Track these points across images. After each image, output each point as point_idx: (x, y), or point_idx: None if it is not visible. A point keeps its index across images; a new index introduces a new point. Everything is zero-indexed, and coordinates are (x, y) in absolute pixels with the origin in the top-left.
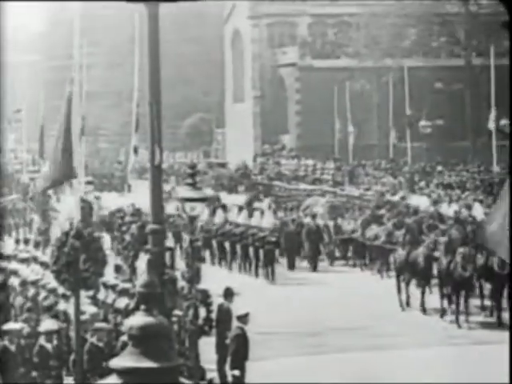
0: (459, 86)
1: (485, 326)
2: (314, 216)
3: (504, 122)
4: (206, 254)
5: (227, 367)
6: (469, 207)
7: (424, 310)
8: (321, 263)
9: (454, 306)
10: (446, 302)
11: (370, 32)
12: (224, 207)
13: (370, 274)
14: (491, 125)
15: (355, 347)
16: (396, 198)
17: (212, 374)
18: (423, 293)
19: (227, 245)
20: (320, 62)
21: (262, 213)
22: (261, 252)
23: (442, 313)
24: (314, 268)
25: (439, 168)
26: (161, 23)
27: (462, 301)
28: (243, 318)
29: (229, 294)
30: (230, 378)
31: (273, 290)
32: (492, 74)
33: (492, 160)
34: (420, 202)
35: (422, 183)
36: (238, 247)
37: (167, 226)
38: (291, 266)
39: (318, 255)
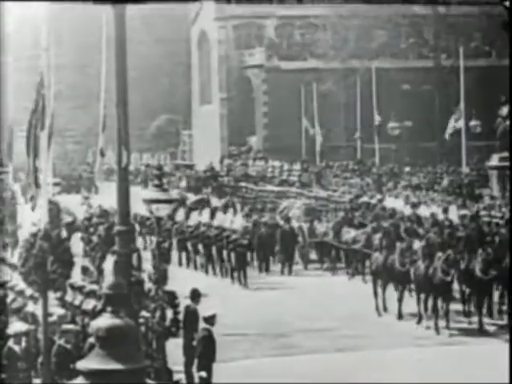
0: (428, 88)
1: (467, 332)
2: (287, 219)
3: (474, 122)
4: (182, 256)
5: (194, 369)
6: (445, 210)
7: (400, 315)
8: (295, 266)
9: (431, 312)
10: (422, 307)
11: (337, 33)
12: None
13: (347, 277)
14: (460, 125)
15: (322, 349)
16: (373, 200)
17: (179, 376)
18: (400, 298)
19: (201, 247)
20: (287, 63)
21: (233, 214)
22: (232, 255)
23: (420, 318)
24: (288, 271)
25: (407, 169)
26: (128, 24)
27: (440, 306)
28: (210, 320)
29: (195, 295)
30: (197, 380)
31: (241, 292)
32: (461, 75)
33: (461, 161)
34: (396, 204)
35: (390, 184)
36: (214, 249)
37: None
38: (264, 269)
39: (292, 258)
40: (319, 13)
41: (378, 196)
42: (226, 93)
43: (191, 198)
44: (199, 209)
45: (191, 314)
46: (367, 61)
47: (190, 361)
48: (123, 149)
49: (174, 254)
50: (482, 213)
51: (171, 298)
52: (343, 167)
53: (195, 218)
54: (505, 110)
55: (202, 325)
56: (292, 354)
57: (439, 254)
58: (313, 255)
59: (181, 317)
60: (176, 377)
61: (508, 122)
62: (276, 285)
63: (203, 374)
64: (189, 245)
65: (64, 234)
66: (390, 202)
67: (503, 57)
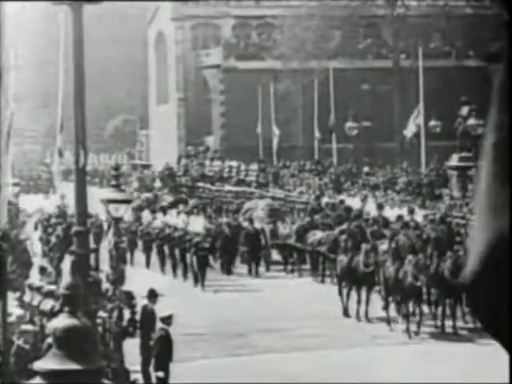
0: (386, 88)
1: (437, 336)
2: (251, 220)
3: (433, 123)
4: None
5: (151, 369)
6: (412, 211)
7: (367, 318)
8: (259, 268)
9: (401, 315)
10: (392, 311)
11: (294, 34)
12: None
13: (310, 280)
14: (419, 125)
15: (278, 348)
16: (334, 200)
17: (136, 376)
18: (367, 301)
19: (166, 248)
20: (244, 63)
21: (189, 215)
22: (194, 257)
23: (388, 321)
24: (254, 273)
25: (366, 169)
26: (85, 24)
27: (411, 310)
28: (167, 320)
29: (152, 295)
30: (154, 380)
31: (201, 294)
32: (420, 75)
33: (420, 161)
34: (358, 204)
35: (348, 184)
36: (177, 251)
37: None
38: (227, 271)
39: (256, 260)
40: (276, 13)
41: (341, 197)
42: (182, 93)
43: (167, 198)
44: (178, 209)
45: (148, 314)
46: (325, 61)
47: (147, 361)
48: (81, 149)
49: (141, 256)
50: (428, 211)
51: (128, 298)
52: (300, 167)
53: (160, 219)
54: (465, 110)
55: (159, 325)
56: (248, 353)
57: (409, 257)
58: (277, 257)
59: (138, 317)
60: (133, 377)
61: (468, 123)
62: (236, 286)
63: (160, 374)
64: (154, 247)
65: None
66: (355, 203)
67: (463, 57)
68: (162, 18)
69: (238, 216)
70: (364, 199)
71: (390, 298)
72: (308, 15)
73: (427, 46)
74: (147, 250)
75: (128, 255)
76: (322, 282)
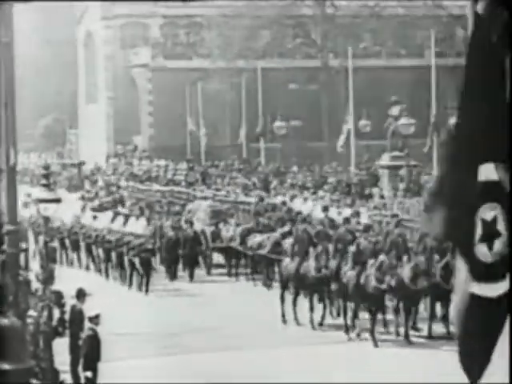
0: (315, 87)
1: (395, 343)
2: (191, 222)
3: (363, 122)
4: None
5: (80, 368)
6: (357, 214)
7: (313, 325)
8: (200, 272)
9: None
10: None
11: (222, 33)
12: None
13: (253, 284)
14: (349, 125)
15: (209, 348)
16: (276, 201)
17: (66, 376)
18: (311, 308)
19: (101, 251)
20: (172, 62)
21: (127, 217)
22: (136, 260)
23: (346, 328)
24: (189, 276)
25: (294, 168)
26: (15, 25)
27: (372, 316)
28: (94, 319)
29: (81, 294)
30: (82, 379)
31: (133, 295)
32: (350, 75)
33: (350, 160)
34: (303, 207)
35: (275, 182)
36: (113, 255)
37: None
38: (170, 274)
39: (195, 263)
40: (204, 12)
41: (283, 198)
42: (111, 92)
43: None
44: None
45: (77, 314)
46: (253, 60)
47: (76, 360)
48: (11, 148)
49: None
50: (373, 212)
51: (58, 298)
52: (229, 166)
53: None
54: (395, 110)
55: (87, 324)
56: (177, 353)
57: (371, 261)
58: (220, 259)
59: (67, 316)
60: (62, 377)
61: (399, 122)
62: (174, 289)
63: (88, 373)
64: (94, 249)
65: None
66: (297, 205)
67: (394, 57)
68: (91, 17)
69: (180, 217)
70: (290, 199)
71: (351, 305)
72: (236, 14)
73: (357, 46)
74: (77, 251)
75: (74, 256)
76: (267, 286)
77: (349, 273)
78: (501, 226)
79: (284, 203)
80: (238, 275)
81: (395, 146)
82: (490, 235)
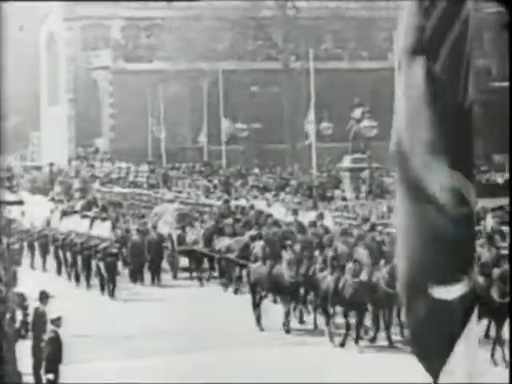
0: (276, 90)
1: (377, 348)
2: (154, 226)
3: (325, 124)
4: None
5: (42, 371)
6: (321, 216)
7: (288, 330)
8: (166, 276)
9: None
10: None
11: (183, 35)
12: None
13: (220, 288)
14: (311, 127)
15: (171, 350)
16: (245, 204)
17: (29, 378)
18: (287, 312)
19: (69, 255)
20: (133, 65)
21: (94, 220)
22: (102, 265)
23: (330, 334)
24: (151, 280)
25: (256, 171)
26: None
27: (351, 321)
28: (56, 322)
29: (43, 297)
30: (44, 382)
31: (96, 298)
32: (311, 77)
33: (312, 162)
34: (271, 210)
35: (237, 184)
36: (79, 258)
37: None
38: (136, 279)
39: (159, 268)
40: (165, 15)
41: (251, 201)
42: (73, 94)
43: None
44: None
45: (39, 316)
46: (215, 62)
47: (39, 363)
48: None
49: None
50: (335, 214)
51: (21, 300)
52: (190, 169)
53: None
54: (357, 112)
55: (49, 327)
56: (139, 355)
57: (349, 265)
58: (187, 263)
59: (30, 319)
60: (25, 379)
61: (361, 125)
62: (136, 294)
63: (50, 376)
64: (61, 252)
65: None
66: (263, 207)
67: (356, 59)
68: (53, 19)
69: (146, 221)
70: (251, 200)
71: (331, 311)
72: (197, 16)
73: (318, 48)
74: (46, 254)
75: (41, 259)
76: (235, 290)
77: (328, 278)
78: None
79: (252, 206)
80: (202, 279)
81: (357, 148)
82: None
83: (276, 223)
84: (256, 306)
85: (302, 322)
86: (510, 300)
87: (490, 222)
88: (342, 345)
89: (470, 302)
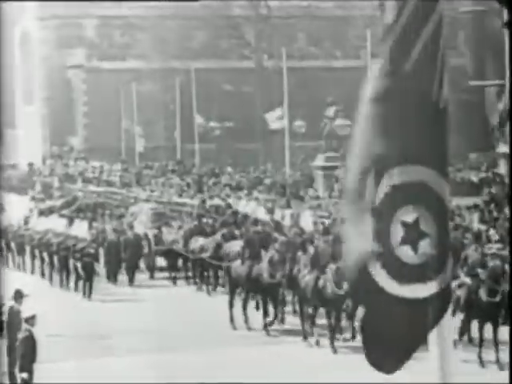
0: (249, 88)
1: (355, 349)
2: (130, 226)
3: (298, 123)
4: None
5: (16, 369)
6: (298, 215)
7: (267, 331)
8: (143, 275)
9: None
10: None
11: (156, 34)
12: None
13: (195, 288)
14: (281, 124)
15: (145, 349)
16: (221, 203)
17: (2, 377)
18: (265, 311)
19: (45, 255)
20: (107, 63)
21: (72, 220)
22: (79, 265)
23: (304, 334)
24: (129, 280)
25: (229, 169)
26: None
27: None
28: (30, 320)
29: (18, 296)
30: (19, 381)
31: (70, 297)
32: (284, 76)
33: (285, 161)
34: (247, 209)
35: (210, 183)
36: (56, 258)
37: None
38: (112, 279)
39: (136, 267)
40: (138, 13)
41: (230, 200)
42: (47, 93)
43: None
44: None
45: (14, 315)
46: (187, 61)
47: (13, 362)
48: None
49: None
50: (309, 212)
51: None
52: (163, 167)
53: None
54: (331, 111)
55: (24, 326)
56: (111, 354)
57: (331, 265)
58: (163, 263)
59: (5, 318)
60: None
61: (335, 123)
62: (112, 294)
63: (24, 375)
64: (36, 252)
65: None
66: (240, 207)
67: (329, 58)
68: (27, 18)
69: (122, 221)
70: (225, 199)
71: (310, 311)
72: (170, 15)
73: (291, 47)
74: (22, 253)
75: (18, 258)
76: (210, 290)
77: (307, 277)
78: (424, 227)
79: (229, 205)
80: (178, 279)
81: (330, 146)
82: (413, 237)
83: (255, 222)
84: (232, 305)
85: (282, 321)
86: (509, 300)
87: (475, 222)
88: (318, 343)
89: (441, 302)
